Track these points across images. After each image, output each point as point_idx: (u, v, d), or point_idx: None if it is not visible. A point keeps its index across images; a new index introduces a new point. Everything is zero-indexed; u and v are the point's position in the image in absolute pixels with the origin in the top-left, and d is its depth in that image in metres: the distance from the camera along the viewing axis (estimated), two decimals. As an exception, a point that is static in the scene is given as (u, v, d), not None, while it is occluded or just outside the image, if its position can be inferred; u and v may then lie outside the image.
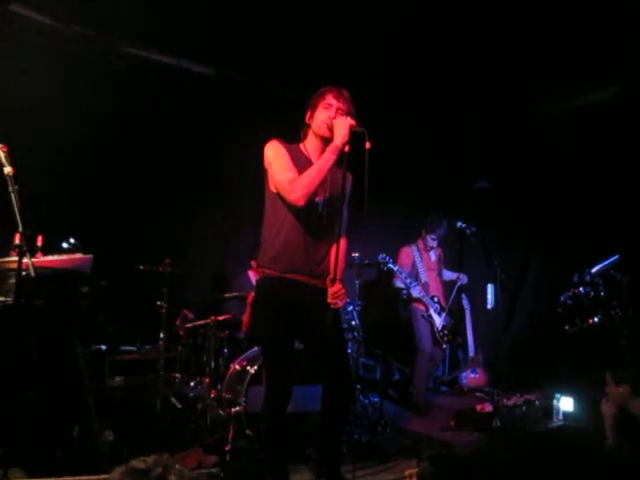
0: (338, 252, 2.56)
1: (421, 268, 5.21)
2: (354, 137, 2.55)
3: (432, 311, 5.09)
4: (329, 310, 2.58)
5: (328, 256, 2.70)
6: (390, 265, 4.90)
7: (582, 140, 5.58)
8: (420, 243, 5.34)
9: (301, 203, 2.55)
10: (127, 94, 4.83)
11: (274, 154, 2.67)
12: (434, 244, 5.30)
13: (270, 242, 2.71)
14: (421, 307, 5.13)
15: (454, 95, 5.55)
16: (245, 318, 4.18)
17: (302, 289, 2.66)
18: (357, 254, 4.60)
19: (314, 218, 2.68)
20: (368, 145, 2.48)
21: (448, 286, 5.52)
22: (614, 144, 5.40)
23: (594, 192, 5.55)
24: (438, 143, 6.15)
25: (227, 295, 4.45)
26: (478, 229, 4.97)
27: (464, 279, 5.57)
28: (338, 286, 2.60)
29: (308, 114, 2.77)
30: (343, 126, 2.56)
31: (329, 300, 2.59)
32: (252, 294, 2.93)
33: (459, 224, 4.98)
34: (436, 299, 5.15)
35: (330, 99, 2.69)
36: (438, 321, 5.09)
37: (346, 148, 2.57)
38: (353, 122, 2.57)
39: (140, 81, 4.90)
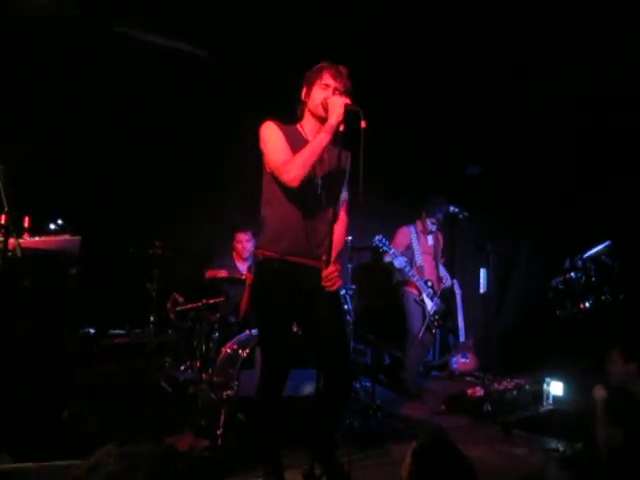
0: (332, 233, 2.52)
1: (417, 251, 5.15)
2: (349, 116, 2.50)
3: (425, 295, 5.06)
4: (327, 293, 2.54)
5: (329, 237, 2.64)
6: (385, 248, 4.83)
7: (574, 126, 5.56)
8: (419, 225, 5.26)
9: (295, 184, 2.50)
10: (117, 76, 4.75)
11: (268, 135, 2.62)
12: (433, 228, 5.22)
13: (269, 223, 2.66)
14: (414, 291, 5.09)
15: (447, 80, 5.50)
16: (244, 300, 4.14)
17: (303, 271, 2.62)
18: (350, 237, 4.56)
19: (313, 199, 2.64)
20: (363, 124, 2.44)
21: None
22: (607, 130, 5.38)
23: (586, 177, 5.54)
24: (430, 128, 6.10)
25: (220, 277, 4.41)
26: (470, 213, 4.95)
27: (448, 283, 5.49)
28: (331, 268, 2.55)
29: (304, 91, 2.71)
30: (338, 105, 2.50)
31: (323, 283, 2.55)
32: (250, 277, 2.88)
33: (452, 209, 4.96)
34: (430, 283, 5.11)
35: (327, 79, 2.63)
36: (430, 305, 5.07)
37: (341, 127, 2.52)
38: (348, 101, 2.52)
39: (131, 64, 4.82)
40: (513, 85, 5.58)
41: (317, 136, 2.54)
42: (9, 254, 2.71)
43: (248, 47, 5.08)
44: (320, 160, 2.58)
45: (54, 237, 3.25)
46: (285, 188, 2.58)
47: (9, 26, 4.22)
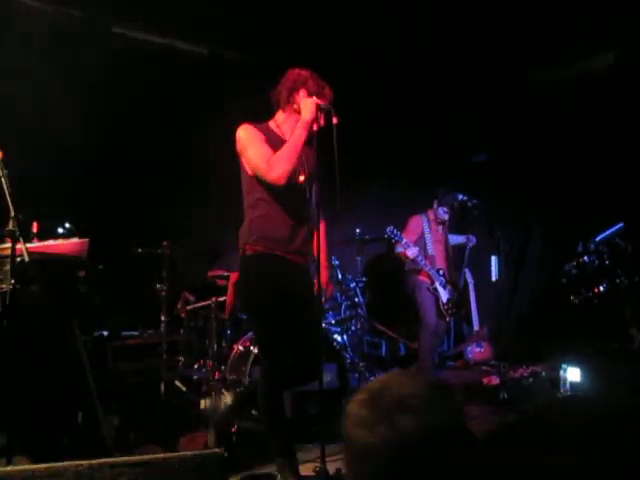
0: (319, 237, 2.60)
1: (429, 240, 5.07)
2: (323, 114, 2.62)
3: (437, 284, 5.01)
4: (314, 292, 2.66)
5: (312, 234, 2.70)
6: (397, 238, 4.79)
7: (583, 107, 5.49)
8: (430, 214, 5.17)
9: (282, 181, 2.56)
10: (121, 76, 4.74)
11: (247, 137, 2.66)
12: (446, 217, 5.11)
13: (256, 225, 2.71)
14: (426, 280, 5.03)
15: (453, 65, 5.45)
16: (228, 299, 4.15)
17: (291, 266, 2.70)
18: (359, 230, 4.53)
19: (297, 198, 2.71)
20: (335, 121, 2.55)
21: (458, 252, 5.40)
22: (616, 110, 5.31)
23: (596, 160, 5.47)
24: (437, 116, 6.05)
25: (221, 274, 4.43)
26: (479, 201, 4.91)
27: (473, 240, 5.41)
28: (325, 275, 2.79)
29: (284, 93, 2.73)
30: (309, 103, 2.61)
31: (324, 287, 2.74)
32: (235, 275, 2.93)
33: (460, 197, 4.91)
34: (441, 272, 5.06)
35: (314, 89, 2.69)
36: (443, 294, 5.02)
37: (314, 126, 2.61)
38: (319, 101, 2.63)
39: (135, 63, 4.81)
40: (515, 69, 5.53)
41: (294, 132, 2.60)
42: (18, 260, 2.72)
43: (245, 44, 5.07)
44: (301, 158, 2.64)
45: (62, 241, 3.26)
46: (271, 189, 2.63)
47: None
